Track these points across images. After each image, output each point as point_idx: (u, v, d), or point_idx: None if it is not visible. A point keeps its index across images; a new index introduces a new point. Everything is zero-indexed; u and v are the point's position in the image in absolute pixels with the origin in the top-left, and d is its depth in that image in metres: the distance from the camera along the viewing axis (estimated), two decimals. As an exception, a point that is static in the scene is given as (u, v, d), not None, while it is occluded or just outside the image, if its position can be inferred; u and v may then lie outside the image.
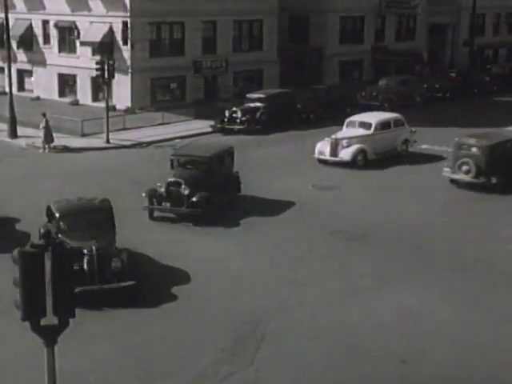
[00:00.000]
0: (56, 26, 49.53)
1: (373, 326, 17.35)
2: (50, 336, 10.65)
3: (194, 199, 24.44)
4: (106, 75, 37.22)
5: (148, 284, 19.49)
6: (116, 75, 38.90)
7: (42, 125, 36.04)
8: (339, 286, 19.66)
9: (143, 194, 25.38)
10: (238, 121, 40.78)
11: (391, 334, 16.92)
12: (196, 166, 25.90)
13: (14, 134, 38.80)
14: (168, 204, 24.85)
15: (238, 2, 49.68)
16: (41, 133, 36.20)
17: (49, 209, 21.26)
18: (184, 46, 48.15)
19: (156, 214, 25.44)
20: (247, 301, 18.54)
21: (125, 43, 45.28)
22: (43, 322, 10.44)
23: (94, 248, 18.78)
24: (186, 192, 24.43)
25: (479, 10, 62.92)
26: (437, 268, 20.95)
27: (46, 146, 36.17)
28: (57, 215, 20.28)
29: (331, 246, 22.69)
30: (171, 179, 24.77)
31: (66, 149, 36.54)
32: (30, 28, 51.08)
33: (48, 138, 36.16)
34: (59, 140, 37.34)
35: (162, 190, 24.78)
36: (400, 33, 62.38)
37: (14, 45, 49.04)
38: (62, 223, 20.03)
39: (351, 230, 24.18)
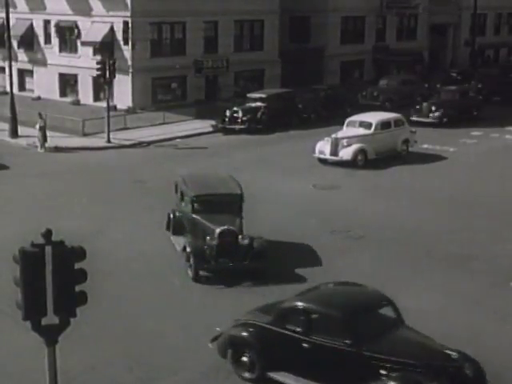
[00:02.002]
0: (57, 25, 49.56)
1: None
2: (50, 335, 10.67)
3: (255, 249, 20.10)
4: (107, 75, 37.25)
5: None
6: (117, 75, 38.92)
7: (40, 124, 36.07)
8: None
9: (178, 249, 21.31)
10: (239, 120, 40.80)
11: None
12: (225, 206, 21.25)
13: (14, 133, 38.84)
14: (224, 260, 19.96)
15: (239, 2, 49.69)
16: (37, 132, 36.24)
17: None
18: (185, 46, 48.18)
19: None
20: (247, 299, 18.54)
21: (126, 43, 45.30)
22: (44, 321, 10.46)
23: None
24: (246, 242, 20.08)
25: (480, 9, 62.99)
26: (437, 267, 20.96)
27: (45, 146, 36.22)
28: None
29: (331, 246, 22.71)
30: (223, 228, 19.85)
31: (57, 149, 36.53)
32: (30, 28, 51.13)
33: (44, 138, 36.21)
34: (57, 140, 37.45)
35: (214, 242, 19.87)
36: (401, 33, 62.40)
37: (14, 44, 49.09)
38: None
39: (351, 229, 24.19)
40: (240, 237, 20.09)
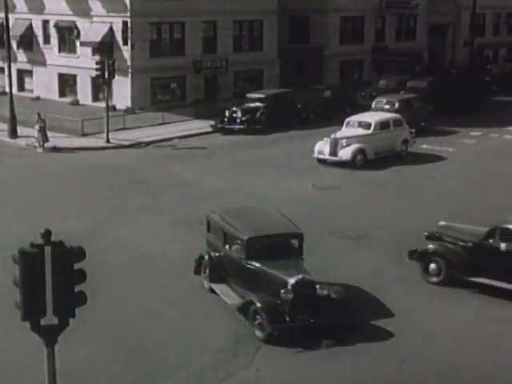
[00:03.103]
0: (56, 26, 49.54)
1: (373, 325, 17.35)
2: (50, 336, 10.67)
3: (335, 300, 17.15)
4: (106, 75, 37.24)
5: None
6: (116, 75, 38.91)
7: (40, 125, 36.07)
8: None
9: (229, 302, 17.99)
10: (238, 121, 40.80)
11: (392, 333, 16.92)
12: (286, 248, 18.27)
13: (14, 133, 38.83)
14: (303, 316, 16.64)
15: (238, 2, 49.68)
16: (36, 133, 36.23)
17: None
18: (184, 46, 48.18)
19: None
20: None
21: (125, 43, 45.28)
22: (43, 321, 10.46)
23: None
24: (325, 292, 17.09)
25: (479, 9, 62.96)
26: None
27: (45, 146, 36.23)
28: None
29: (331, 246, 22.71)
30: (298, 278, 16.68)
31: (57, 149, 36.51)
32: (30, 28, 51.09)
33: (45, 138, 36.22)
34: (56, 140, 37.47)
35: (289, 296, 16.57)
36: (400, 33, 62.41)
37: (14, 45, 49.07)
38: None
39: (351, 229, 24.19)
40: (318, 286, 16.91)
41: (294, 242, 18.10)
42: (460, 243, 19.68)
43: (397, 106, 38.63)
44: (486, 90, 50.96)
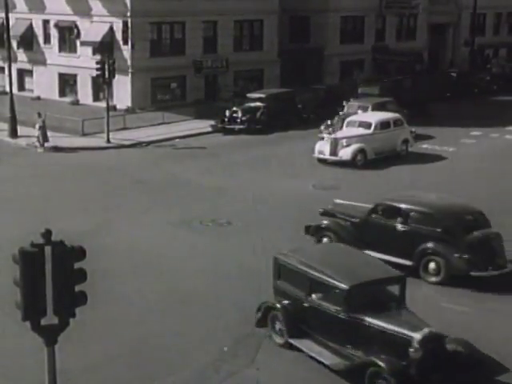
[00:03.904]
0: (56, 25, 49.54)
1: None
2: (50, 336, 10.67)
3: (464, 354, 14.66)
4: (107, 75, 37.22)
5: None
6: (116, 75, 38.89)
7: (40, 124, 36.07)
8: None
9: (326, 362, 15.23)
10: (239, 120, 40.79)
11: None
12: (388, 296, 15.74)
13: (14, 133, 38.82)
14: (437, 376, 14.20)
15: (238, 2, 49.68)
16: (37, 132, 36.23)
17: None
18: (184, 46, 48.18)
19: None
20: (248, 300, 18.54)
21: (125, 43, 45.30)
22: (43, 321, 10.46)
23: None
24: (454, 346, 14.70)
25: (480, 9, 63.01)
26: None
27: (45, 146, 36.24)
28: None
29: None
30: (425, 333, 14.20)
31: (57, 149, 36.52)
32: (30, 28, 51.10)
33: (45, 138, 36.22)
34: (56, 140, 37.49)
35: (419, 354, 14.00)
36: (400, 33, 62.41)
37: (14, 44, 49.04)
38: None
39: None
40: (447, 340, 14.57)
41: (395, 287, 15.59)
42: (350, 219, 21.49)
43: (370, 110, 37.18)
44: (440, 93, 49.95)
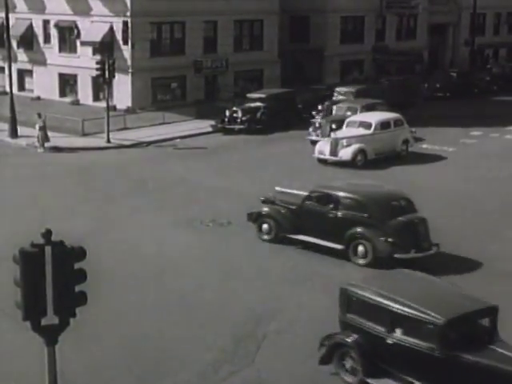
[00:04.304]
0: (56, 25, 49.55)
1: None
2: (50, 335, 10.68)
3: None
4: (107, 75, 37.25)
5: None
6: (116, 75, 38.93)
7: (40, 124, 36.08)
8: (339, 285, 19.66)
9: None
10: (239, 120, 40.80)
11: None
12: (483, 329, 14.23)
13: (14, 133, 38.83)
14: None
15: (238, 2, 49.70)
16: (37, 133, 36.23)
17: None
18: (185, 46, 48.18)
19: None
20: (247, 300, 18.56)
21: (125, 43, 45.31)
22: (44, 321, 10.47)
23: None
24: None
25: (480, 9, 63.01)
26: (438, 267, 20.94)
27: (45, 146, 36.25)
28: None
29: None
30: None
31: (57, 149, 36.53)
32: (30, 28, 51.10)
33: (45, 138, 36.23)
34: (56, 140, 37.51)
35: None
36: (400, 33, 62.43)
37: (14, 44, 49.06)
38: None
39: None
40: None
41: (486, 319, 13.99)
42: (288, 206, 22.63)
43: (359, 112, 36.71)
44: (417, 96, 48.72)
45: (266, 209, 23.05)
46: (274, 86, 49.33)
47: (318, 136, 36.37)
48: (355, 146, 32.88)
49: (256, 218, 23.11)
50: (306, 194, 22.41)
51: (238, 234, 23.80)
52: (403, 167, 33.05)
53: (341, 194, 21.55)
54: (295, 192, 23.33)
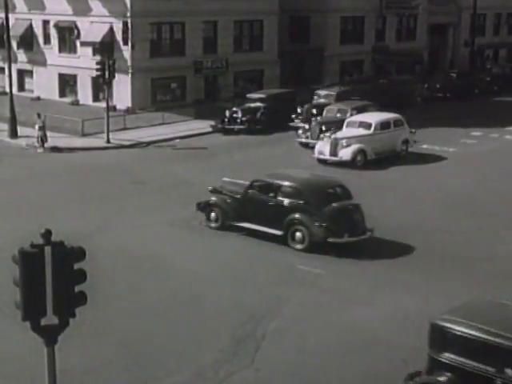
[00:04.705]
0: (56, 26, 49.55)
1: (373, 325, 17.35)
2: (50, 336, 10.67)
3: None
4: (107, 75, 37.24)
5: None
6: (116, 75, 38.91)
7: (39, 125, 36.08)
8: (339, 285, 19.69)
9: None
10: (239, 121, 40.82)
11: (392, 332, 16.92)
12: None
13: (14, 133, 38.83)
14: None
15: (238, 2, 49.68)
16: (37, 133, 36.23)
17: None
18: (184, 46, 48.18)
19: None
20: (247, 299, 18.54)
21: (125, 43, 45.30)
22: (43, 321, 10.46)
23: None
24: None
25: (480, 10, 62.99)
26: (438, 267, 20.95)
27: (45, 146, 36.24)
28: None
29: (330, 246, 22.68)
30: None
31: (57, 149, 36.53)
32: (30, 28, 51.11)
33: (45, 138, 36.23)
34: (56, 140, 37.52)
35: None
36: (400, 33, 62.41)
37: (14, 45, 49.06)
38: None
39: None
40: None
41: None
42: (233, 195, 23.86)
43: (349, 114, 36.69)
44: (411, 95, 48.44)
45: (213, 198, 24.25)
46: (274, 87, 49.33)
47: (307, 138, 36.38)
48: (355, 147, 32.88)
49: (204, 207, 24.27)
50: (248, 183, 23.66)
51: (238, 234, 23.75)
52: (403, 167, 33.03)
53: (280, 182, 22.88)
54: (240, 182, 24.59)
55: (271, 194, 22.85)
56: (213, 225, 24.14)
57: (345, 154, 32.75)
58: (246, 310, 18.01)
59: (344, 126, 34.57)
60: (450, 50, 67.87)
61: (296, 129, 38.70)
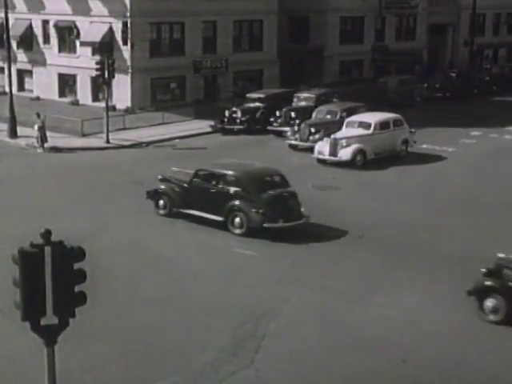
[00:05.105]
0: (56, 25, 49.57)
1: (373, 324, 17.36)
2: (50, 336, 10.67)
3: None
4: (106, 75, 37.26)
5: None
6: (116, 75, 38.91)
7: (39, 125, 36.08)
8: (338, 285, 19.69)
9: None
10: (238, 121, 40.83)
11: (392, 332, 16.93)
12: None
13: (14, 133, 38.84)
14: None
15: (238, 2, 49.71)
16: (36, 133, 36.23)
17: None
18: (184, 46, 48.19)
19: None
20: (247, 299, 18.55)
21: (125, 43, 45.31)
22: (43, 321, 10.46)
23: None
24: None
25: (479, 9, 62.96)
26: (438, 267, 20.94)
27: (44, 146, 36.24)
28: None
29: (330, 246, 22.70)
30: None
31: (56, 149, 36.53)
32: (29, 28, 51.13)
33: (44, 138, 36.23)
34: (56, 140, 37.50)
35: None
36: (400, 33, 62.45)
37: (13, 45, 49.09)
38: None
39: (351, 229, 24.17)
40: None
41: None
42: (180, 184, 25.12)
43: (339, 116, 36.46)
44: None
45: (162, 186, 25.60)
46: (274, 86, 49.35)
47: (296, 140, 36.27)
48: (354, 146, 32.88)
49: (153, 195, 25.69)
50: (193, 172, 24.96)
51: (238, 234, 23.78)
52: (403, 167, 33.04)
53: (222, 171, 24.29)
54: (188, 171, 25.71)
55: (214, 182, 24.19)
56: (161, 212, 25.44)
57: (344, 153, 32.75)
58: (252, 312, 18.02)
59: (344, 126, 34.57)
60: (449, 49, 67.89)
61: (274, 133, 38.83)
